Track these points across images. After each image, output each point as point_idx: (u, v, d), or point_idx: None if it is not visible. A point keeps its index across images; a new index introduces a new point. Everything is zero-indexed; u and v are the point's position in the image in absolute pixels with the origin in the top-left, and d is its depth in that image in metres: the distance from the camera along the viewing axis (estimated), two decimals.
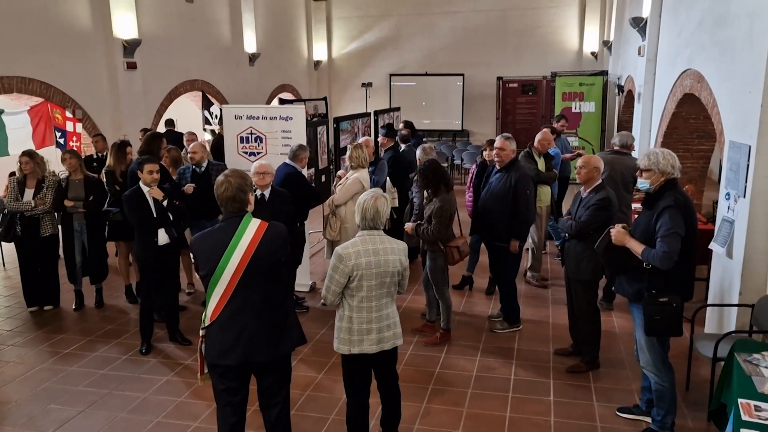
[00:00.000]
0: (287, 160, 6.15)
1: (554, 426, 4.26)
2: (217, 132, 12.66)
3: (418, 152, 6.39)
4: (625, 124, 11.55)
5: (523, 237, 5.82)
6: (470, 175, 6.99)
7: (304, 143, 6.83)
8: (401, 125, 9.36)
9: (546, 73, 15.23)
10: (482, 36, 17.14)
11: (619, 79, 12.90)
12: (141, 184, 5.34)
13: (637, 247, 3.79)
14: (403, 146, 8.37)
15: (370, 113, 10.73)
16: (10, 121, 9.28)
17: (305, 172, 6.85)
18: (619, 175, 6.09)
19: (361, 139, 7.06)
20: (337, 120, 9.40)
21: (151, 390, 4.83)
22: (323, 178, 8.25)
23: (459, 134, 17.46)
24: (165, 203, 5.36)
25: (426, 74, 17.54)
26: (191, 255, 6.19)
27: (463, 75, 17.15)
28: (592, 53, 16.30)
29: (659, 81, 8.37)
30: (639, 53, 9.23)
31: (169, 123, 11.57)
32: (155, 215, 5.32)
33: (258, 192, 5.46)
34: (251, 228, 3.24)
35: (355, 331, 3.55)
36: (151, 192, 5.30)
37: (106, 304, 6.73)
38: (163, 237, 5.33)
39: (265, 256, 3.22)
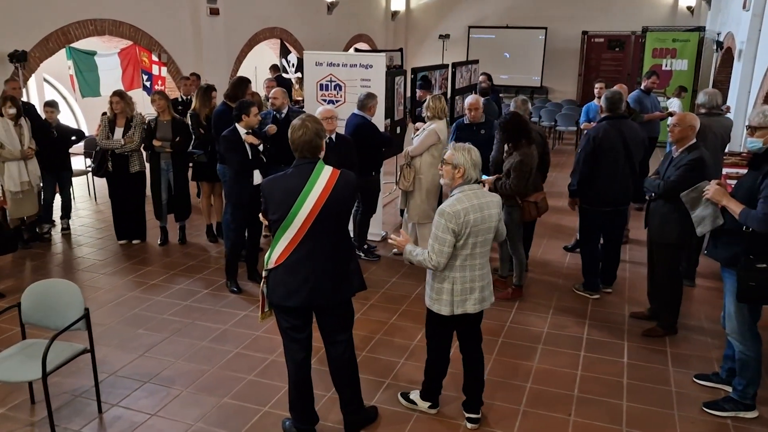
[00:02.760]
0: (356, 111, 6.13)
1: (627, 387, 4.19)
2: (294, 81, 12.78)
3: (513, 104, 6.18)
4: (721, 84, 10.86)
5: (575, 194, 5.52)
6: None
7: (383, 92, 6.80)
8: (481, 77, 9.13)
9: (635, 28, 14.45)
10: None
11: (718, 35, 12.07)
12: (237, 126, 5.44)
13: (735, 207, 3.59)
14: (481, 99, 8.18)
15: (447, 65, 10.52)
16: (102, 63, 9.70)
17: (381, 121, 6.84)
18: (719, 139, 5.74)
19: (470, 99, 6.61)
20: (415, 71, 9.29)
21: (230, 323, 5.07)
22: (398, 129, 8.21)
23: (537, 91, 16.92)
24: (261, 147, 5.50)
25: (507, 27, 16.98)
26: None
27: (545, 29, 16.50)
28: (689, 8, 15.27)
29: (765, 38, 7.77)
30: (744, 7, 8.57)
31: (275, 68, 11.61)
32: (251, 157, 5.45)
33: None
34: (324, 175, 3.25)
35: (458, 292, 3.44)
36: (246, 139, 5.41)
37: (188, 242, 7.05)
38: (257, 177, 5.47)
39: (336, 204, 3.24)
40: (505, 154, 5.43)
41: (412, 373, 4.26)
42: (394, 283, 5.91)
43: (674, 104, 9.93)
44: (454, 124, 6.62)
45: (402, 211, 6.76)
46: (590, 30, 15.56)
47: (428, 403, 3.87)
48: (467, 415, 3.80)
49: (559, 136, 13.78)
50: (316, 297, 3.29)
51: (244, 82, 6.55)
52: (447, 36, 17.35)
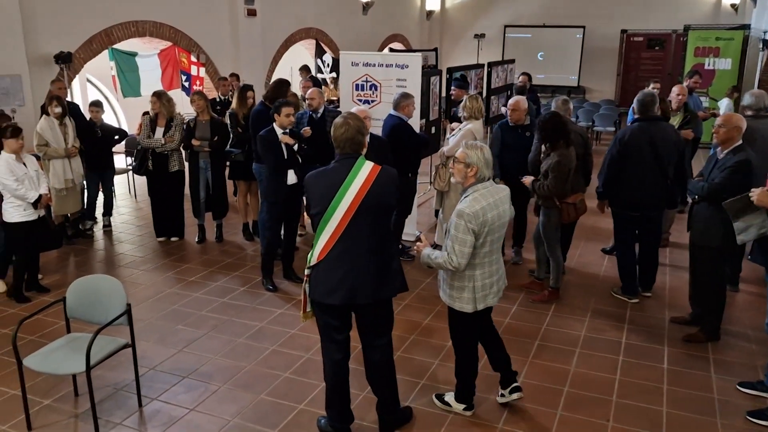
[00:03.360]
0: (392, 111, 6.12)
1: (667, 393, 4.10)
2: (328, 81, 12.86)
3: (553, 104, 6.10)
4: (767, 84, 10.53)
5: (602, 197, 5.48)
6: None
7: (418, 92, 6.79)
8: (519, 77, 9.04)
9: (677, 27, 14.12)
10: None
11: (764, 33, 11.71)
12: (275, 125, 5.50)
13: None
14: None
15: (483, 65, 10.46)
16: (143, 64, 9.91)
17: (417, 122, 6.83)
18: (767, 142, 5.57)
19: (512, 100, 6.28)
20: (451, 70, 9.26)
21: (267, 320, 5.12)
22: (433, 129, 8.20)
23: (574, 90, 16.70)
24: (296, 147, 5.55)
25: (543, 26, 16.80)
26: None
27: (583, 27, 16.28)
28: (732, 5, 14.88)
29: None
30: None
31: (306, 69, 11.62)
32: (286, 156, 5.51)
33: None
34: (365, 170, 3.27)
35: (479, 288, 3.50)
36: (282, 139, 5.46)
37: (225, 239, 7.16)
38: (291, 177, 5.52)
39: (376, 199, 3.25)
40: (542, 155, 5.36)
41: (447, 374, 4.24)
42: (429, 283, 5.89)
43: (724, 104, 9.66)
44: (497, 125, 6.41)
45: (437, 212, 6.75)
46: (629, 28, 15.26)
47: (463, 405, 3.85)
48: (509, 388, 3.86)
49: (597, 136, 13.56)
50: (356, 295, 3.29)
51: (284, 84, 6.62)
52: (482, 35, 17.26)
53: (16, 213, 5.28)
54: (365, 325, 3.48)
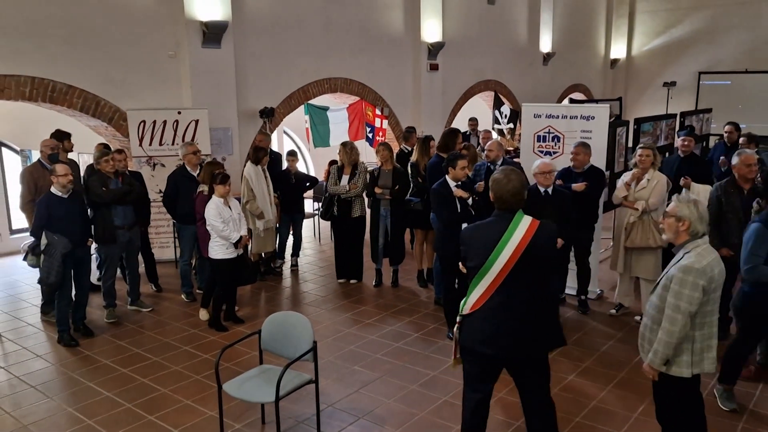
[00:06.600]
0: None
1: None
2: (505, 131, 12.86)
3: (736, 158, 5.47)
4: None
5: None
6: None
7: (605, 144, 6.54)
8: (726, 128, 8.40)
9: None
10: None
11: None
12: (448, 178, 5.60)
13: None
14: None
15: (675, 114, 9.81)
16: (333, 117, 10.69)
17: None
18: None
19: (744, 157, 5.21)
20: (638, 121, 8.80)
21: (439, 369, 5.12)
22: (618, 182, 7.78)
23: None
24: (470, 201, 5.59)
25: (746, 72, 15.36)
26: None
27: None
28: None
29: None
30: None
31: (473, 121, 11.66)
32: (459, 209, 5.55)
33: (542, 189, 5.62)
34: (523, 225, 3.26)
35: (697, 351, 3.27)
36: (455, 192, 5.51)
37: (400, 285, 7.34)
38: None
39: (535, 254, 3.21)
40: (753, 212, 4.81)
41: None
42: (612, 346, 5.50)
43: None
44: (715, 187, 5.46)
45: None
46: None
47: None
48: None
49: None
50: (508, 349, 3.26)
51: (455, 133, 6.75)
52: (673, 83, 16.22)
53: (221, 251, 5.91)
54: (523, 382, 3.42)
